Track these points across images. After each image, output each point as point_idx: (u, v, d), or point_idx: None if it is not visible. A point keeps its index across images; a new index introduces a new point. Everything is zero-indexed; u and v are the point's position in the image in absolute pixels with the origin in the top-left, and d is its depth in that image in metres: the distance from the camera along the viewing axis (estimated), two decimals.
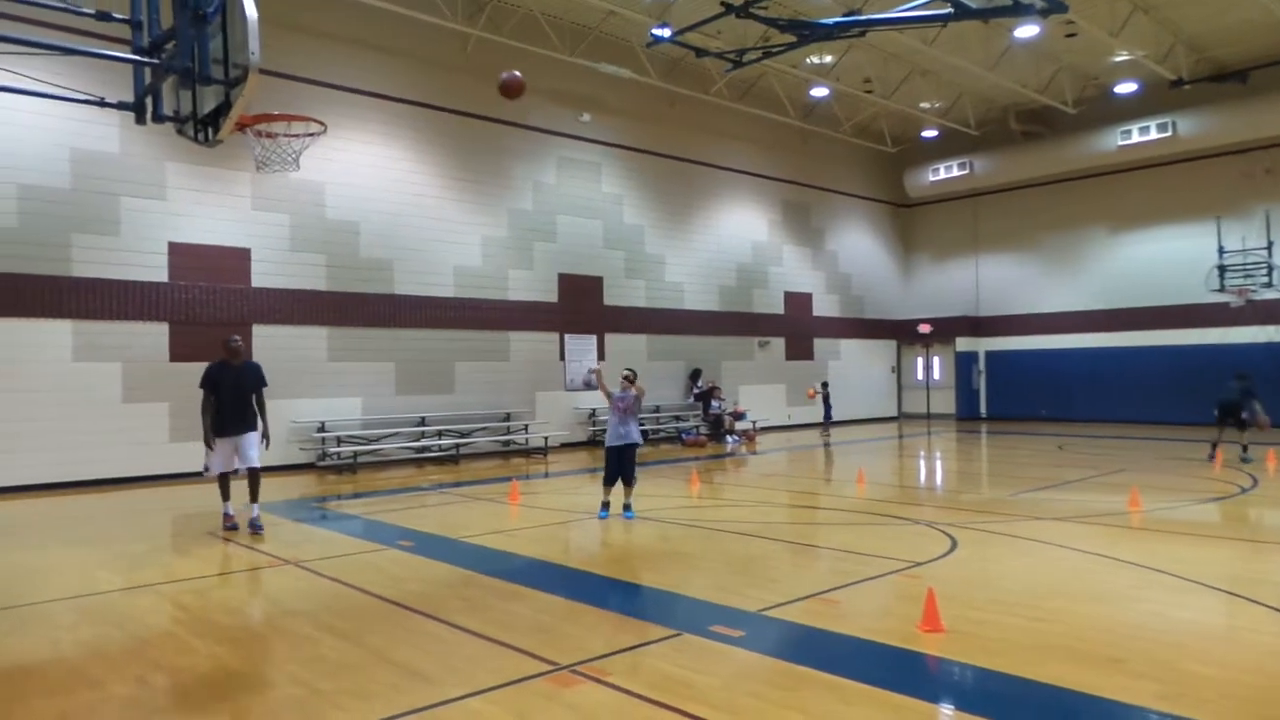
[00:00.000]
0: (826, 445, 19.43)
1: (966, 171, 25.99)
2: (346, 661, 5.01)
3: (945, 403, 28.37)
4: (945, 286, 28.45)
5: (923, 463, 16.61)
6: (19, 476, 12.63)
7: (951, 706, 4.28)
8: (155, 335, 14.02)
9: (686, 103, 21.74)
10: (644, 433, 20.04)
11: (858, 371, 27.22)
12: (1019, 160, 25.27)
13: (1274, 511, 10.18)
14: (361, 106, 16.34)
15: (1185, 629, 5.41)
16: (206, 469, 9.56)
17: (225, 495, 9.64)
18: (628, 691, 4.40)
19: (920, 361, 29.16)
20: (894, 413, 28.82)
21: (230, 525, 9.42)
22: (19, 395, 12.74)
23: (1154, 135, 22.20)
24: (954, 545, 7.97)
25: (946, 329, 27.73)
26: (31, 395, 12.84)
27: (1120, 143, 22.82)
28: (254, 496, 9.37)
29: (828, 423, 22.10)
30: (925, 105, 23.95)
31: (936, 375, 28.83)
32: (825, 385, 22.39)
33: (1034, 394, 25.97)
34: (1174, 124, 21.87)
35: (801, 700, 4.25)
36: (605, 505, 9.95)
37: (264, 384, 9.55)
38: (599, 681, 4.55)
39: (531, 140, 19.02)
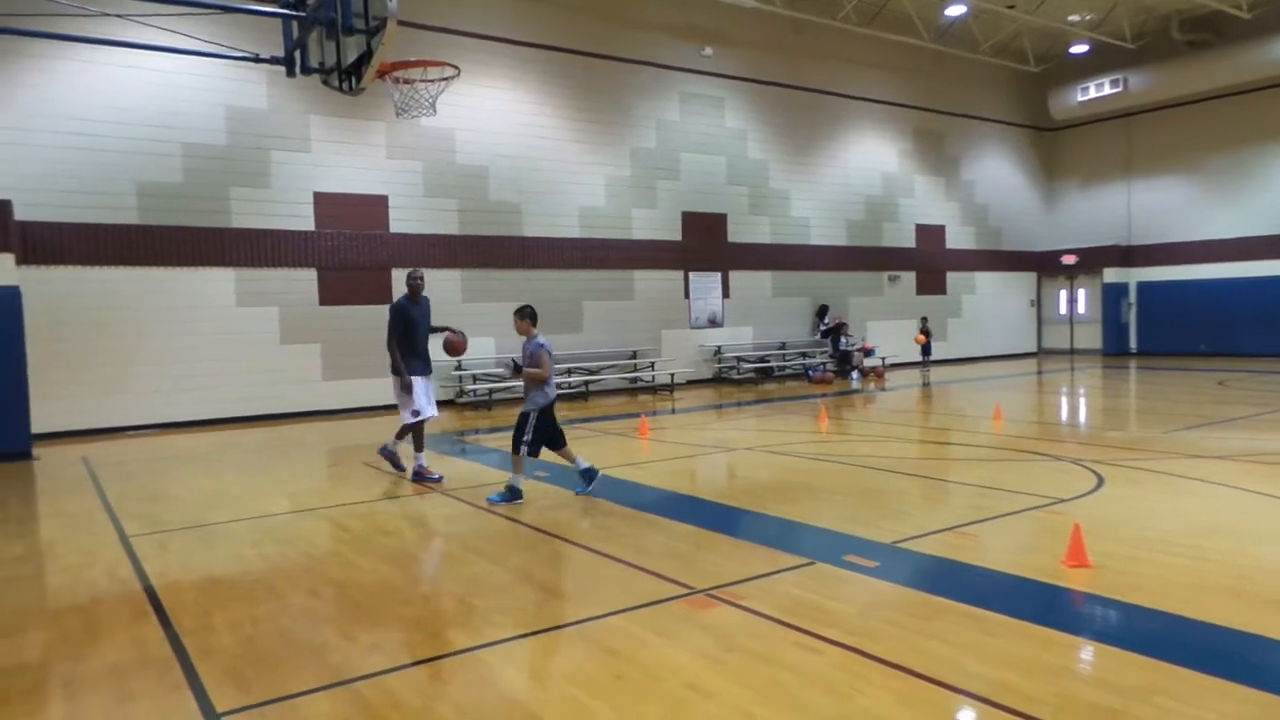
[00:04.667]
0: (927, 384, 18.77)
1: (1120, 89, 24.01)
2: (494, 581, 5.33)
3: (1090, 338, 26.83)
4: (1093, 214, 26.65)
5: (1065, 399, 15.86)
6: (192, 412, 13.86)
7: (1101, 641, 4.16)
8: (306, 281, 14.93)
9: (812, 30, 20.95)
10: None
11: (994, 306, 26.06)
12: (1181, 74, 23.10)
13: None
14: (488, 51, 16.59)
15: None
16: (416, 414, 8.58)
17: (421, 443, 8.82)
18: (763, 615, 4.50)
19: (1063, 294, 27.59)
20: (1033, 348, 27.51)
21: (434, 477, 8.62)
22: (190, 339, 13.90)
23: None
24: (1101, 482, 7.65)
25: (1093, 259, 26.05)
26: (200, 339, 13.98)
27: None
28: (423, 445, 8.86)
29: (926, 360, 21.38)
30: (1074, 18, 22.21)
31: (1081, 309, 27.25)
32: (925, 321, 21.64)
33: (1192, 328, 24.18)
34: None
35: (941, 629, 4.24)
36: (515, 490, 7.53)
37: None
38: (734, 605, 4.67)
39: (653, 77, 18.85)
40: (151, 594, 5.26)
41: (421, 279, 8.73)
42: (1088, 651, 4.03)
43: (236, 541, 6.52)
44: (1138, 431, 11.43)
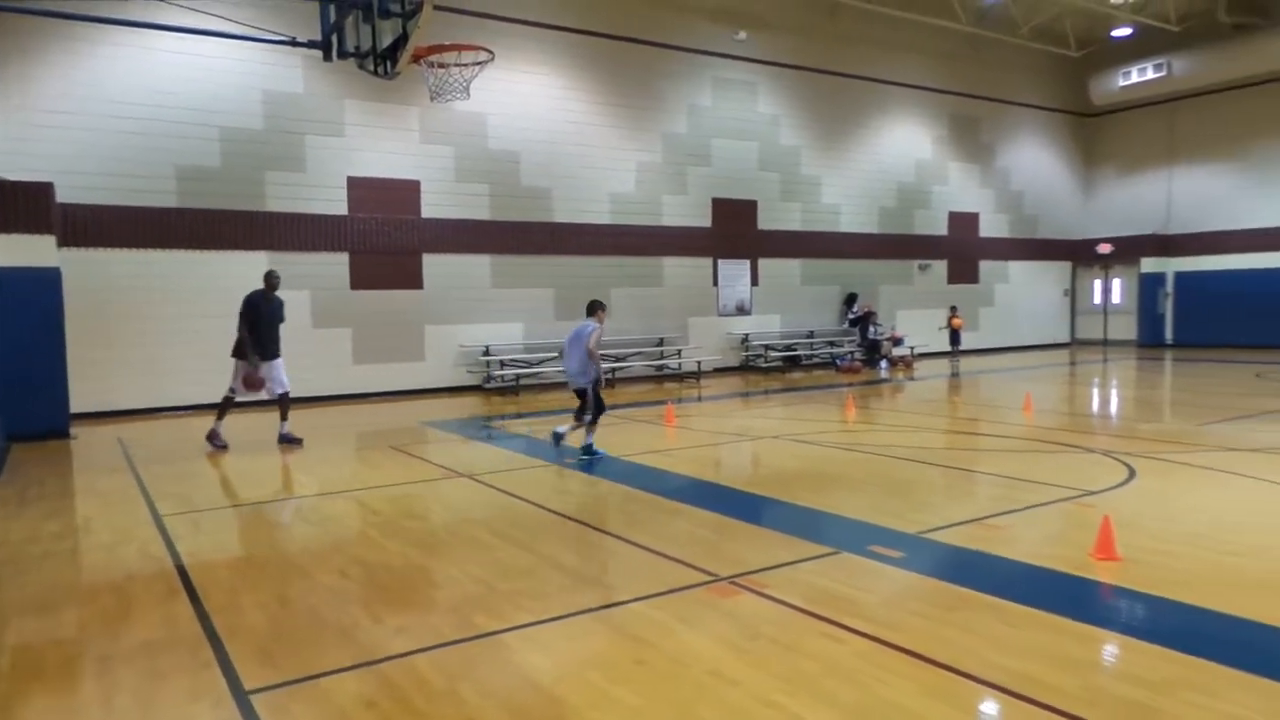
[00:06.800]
0: (956, 375, 18.49)
1: (1163, 74, 23.45)
2: (520, 565, 5.37)
3: (1125, 328, 26.38)
4: (1131, 203, 26.12)
5: (1097, 390, 15.62)
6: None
7: (1128, 635, 4.11)
8: (338, 265, 15.07)
9: (847, 13, 20.68)
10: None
11: (1027, 295, 25.69)
12: (1228, 58, 22.48)
13: None
14: (521, 36, 16.58)
15: None
16: (233, 390, 10.17)
17: (223, 415, 10.38)
18: (786, 603, 4.50)
19: (1098, 284, 27.13)
20: (1066, 339, 27.11)
21: (221, 444, 10.09)
22: (223, 321, 13.98)
23: None
24: (1132, 475, 7.53)
25: (1130, 249, 25.56)
26: (234, 321, 14.12)
27: None
28: (286, 415, 10.52)
29: (956, 350, 20.62)
30: (1117, 0, 21.70)
31: (1116, 299, 26.78)
32: (954, 310, 20.94)
33: (1231, 319, 23.66)
34: None
35: (965, 620, 4.21)
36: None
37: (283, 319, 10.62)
38: (758, 593, 4.67)
39: (686, 62, 18.73)
40: (183, 572, 5.36)
41: (278, 280, 10.36)
42: (1114, 645, 3.99)
43: (266, 522, 6.63)
44: (1171, 424, 11.24)
